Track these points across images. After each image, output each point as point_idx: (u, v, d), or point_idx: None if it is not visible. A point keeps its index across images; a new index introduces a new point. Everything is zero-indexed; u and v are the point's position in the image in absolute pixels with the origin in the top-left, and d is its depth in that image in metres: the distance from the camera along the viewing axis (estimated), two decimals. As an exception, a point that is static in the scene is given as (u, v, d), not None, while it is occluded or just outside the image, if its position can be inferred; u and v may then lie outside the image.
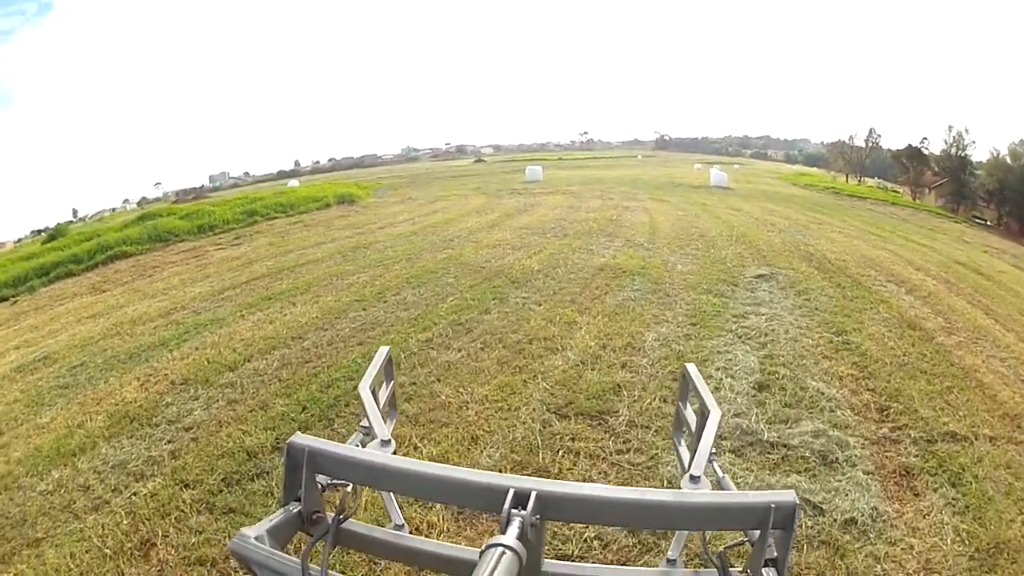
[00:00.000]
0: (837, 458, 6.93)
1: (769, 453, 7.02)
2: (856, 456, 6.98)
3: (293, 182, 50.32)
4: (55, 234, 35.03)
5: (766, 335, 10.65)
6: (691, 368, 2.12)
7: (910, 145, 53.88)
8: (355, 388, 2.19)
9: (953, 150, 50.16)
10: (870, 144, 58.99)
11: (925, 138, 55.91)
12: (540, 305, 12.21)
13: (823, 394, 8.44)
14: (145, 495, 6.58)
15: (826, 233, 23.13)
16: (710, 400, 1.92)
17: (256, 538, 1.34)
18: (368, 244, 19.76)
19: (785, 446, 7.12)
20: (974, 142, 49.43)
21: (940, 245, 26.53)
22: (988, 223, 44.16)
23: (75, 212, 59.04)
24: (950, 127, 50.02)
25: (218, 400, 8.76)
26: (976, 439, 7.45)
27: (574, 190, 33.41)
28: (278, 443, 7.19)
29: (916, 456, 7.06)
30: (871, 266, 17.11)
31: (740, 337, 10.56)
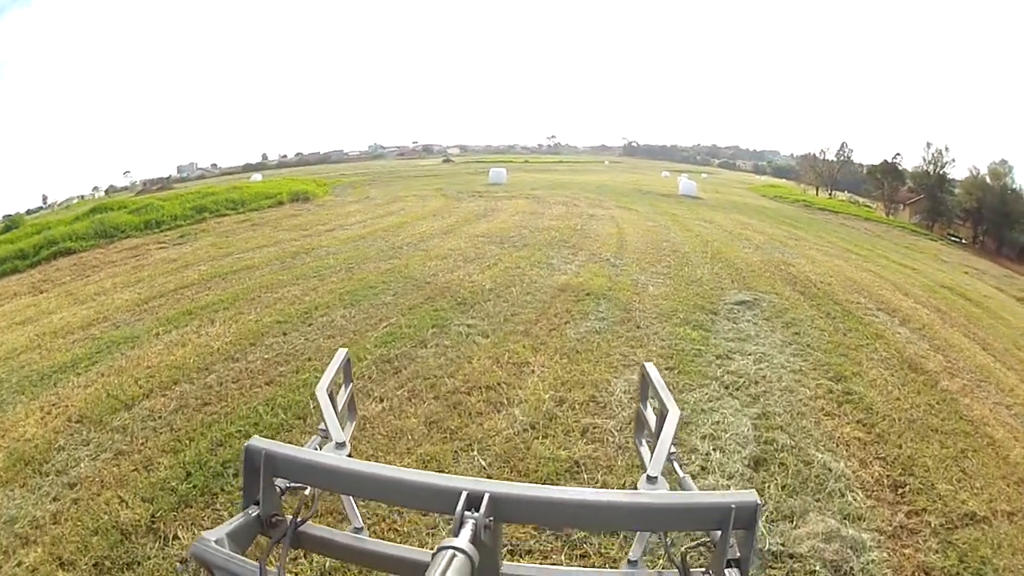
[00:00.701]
0: (852, 567, 5.37)
1: (772, 567, 5.29)
2: (873, 562, 5.48)
3: (256, 176, 47.94)
4: (10, 225, 32.50)
5: (757, 383, 8.79)
6: (650, 367, 2.08)
7: (886, 161, 53.10)
8: (311, 394, 2.06)
9: (931, 168, 49.34)
10: (841, 158, 58.29)
11: (898, 154, 54.97)
12: (487, 337, 10.21)
13: (830, 471, 6.76)
14: (26, 568, 5.39)
15: (804, 251, 21.50)
16: (669, 400, 1.89)
17: (216, 541, 1.32)
18: (311, 249, 17.72)
19: (791, 556, 5.37)
20: (953, 160, 48.68)
21: (921, 266, 25.34)
22: (963, 241, 43.50)
23: (45, 198, 56.84)
24: (928, 144, 49.36)
25: (106, 449, 7.23)
26: (995, 518, 6.39)
27: (538, 195, 31.34)
28: (154, 522, 5.82)
29: (936, 551, 5.77)
30: (858, 291, 15.50)
31: (727, 387, 8.63)
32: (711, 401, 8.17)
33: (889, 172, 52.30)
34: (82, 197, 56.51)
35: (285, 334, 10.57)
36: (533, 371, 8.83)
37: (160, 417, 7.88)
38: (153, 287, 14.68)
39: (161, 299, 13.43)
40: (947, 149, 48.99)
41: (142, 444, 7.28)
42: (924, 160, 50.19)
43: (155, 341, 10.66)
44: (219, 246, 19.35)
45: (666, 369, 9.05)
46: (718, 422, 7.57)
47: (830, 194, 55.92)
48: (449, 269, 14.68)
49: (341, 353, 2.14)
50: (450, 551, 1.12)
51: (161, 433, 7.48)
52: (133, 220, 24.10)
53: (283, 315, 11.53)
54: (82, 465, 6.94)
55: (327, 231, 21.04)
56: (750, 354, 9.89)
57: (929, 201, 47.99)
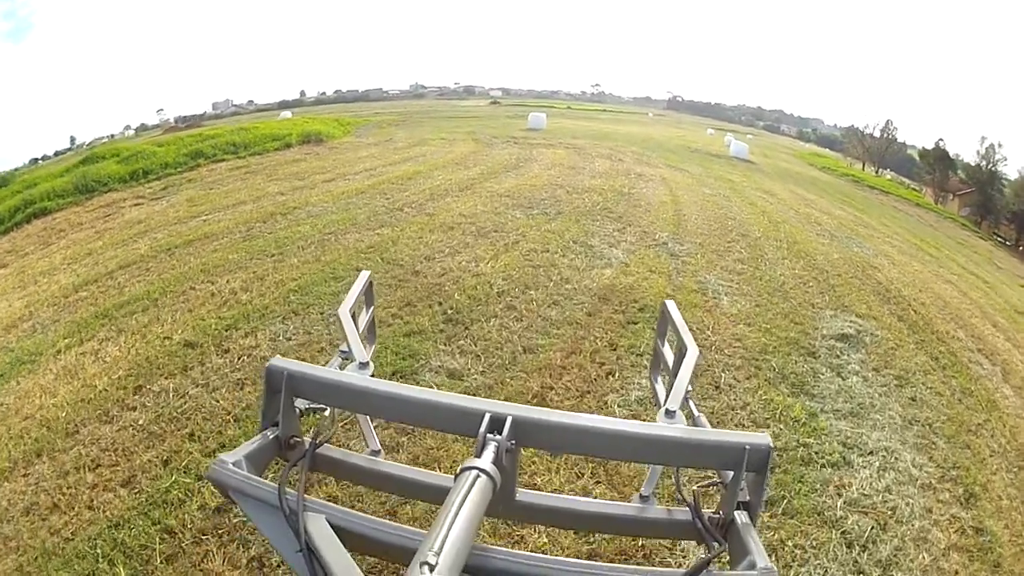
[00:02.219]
0: None
1: None
2: None
3: (285, 113, 43.92)
4: (1, 182, 28.54)
5: (884, 527, 4.80)
6: (670, 305, 2.06)
7: (938, 147, 51.58)
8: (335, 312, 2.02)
9: (984, 162, 47.77)
10: (886, 136, 56.84)
11: (941, 139, 54.54)
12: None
13: None
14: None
15: (879, 245, 17.03)
16: (688, 338, 1.85)
17: (234, 463, 1.31)
18: (293, 208, 13.35)
19: None
20: (1005, 158, 47.45)
21: (989, 276, 21.44)
22: (1007, 243, 41.64)
23: (72, 140, 54.50)
24: (983, 138, 49.65)
25: None
26: None
27: (579, 145, 26.39)
28: None
29: None
30: (952, 318, 11.40)
31: (850, 545, 4.53)
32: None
33: (941, 159, 50.62)
34: (112, 136, 53.70)
35: (187, 371, 6.51)
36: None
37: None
38: (96, 265, 11.16)
39: (93, 286, 9.89)
40: (1000, 145, 47.51)
41: None
42: (977, 153, 48.78)
43: (52, 365, 7.13)
44: (194, 202, 15.43)
45: (769, 513, 4.69)
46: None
47: (876, 171, 53.26)
48: (451, 250, 10.20)
49: (363, 275, 2.10)
50: (474, 471, 1.09)
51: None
52: (119, 171, 20.55)
53: (199, 329, 7.47)
54: None
55: (325, 182, 16.62)
56: (871, 452, 5.85)
57: (980, 196, 46.35)
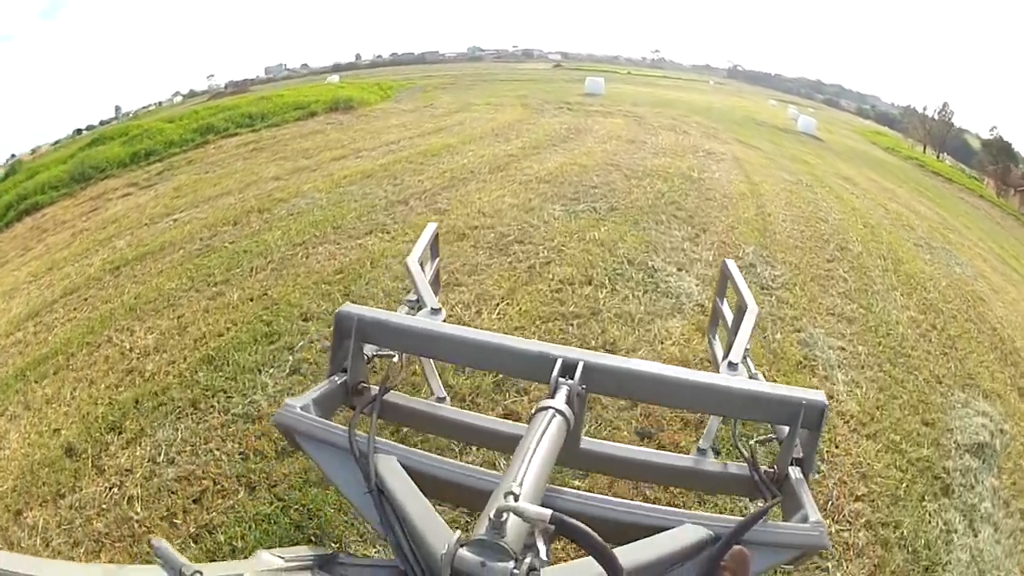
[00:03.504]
0: None
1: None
2: None
3: (333, 78, 40.53)
4: (10, 171, 25.85)
5: None
6: (730, 264, 2.03)
7: (1000, 138, 47.44)
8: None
9: None
10: (943, 118, 52.15)
11: (995, 127, 51.11)
12: None
13: None
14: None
15: (972, 259, 13.25)
16: (748, 297, 1.85)
17: (301, 408, 1.30)
18: (276, 202, 10.32)
19: None
20: None
21: None
22: None
23: (118, 109, 52.23)
24: None
25: None
26: None
27: (639, 113, 22.35)
28: None
29: None
30: None
31: None
32: None
33: (1004, 151, 46.16)
34: (159, 104, 51.56)
35: (57, 498, 4.22)
36: None
37: None
38: (48, 288, 9.13)
39: (32, 323, 7.76)
40: None
41: None
42: None
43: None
44: (181, 191, 12.95)
45: None
46: None
47: (937, 156, 48.76)
48: (448, 278, 6.69)
49: (431, 227, 2.24)
50: (550, 411, 1.13)
51: None
52: (119, 154, 18.17)
53: (86, 422, 4.98)
54: None
55: (333, 160, 13.41)
56: None
57: None
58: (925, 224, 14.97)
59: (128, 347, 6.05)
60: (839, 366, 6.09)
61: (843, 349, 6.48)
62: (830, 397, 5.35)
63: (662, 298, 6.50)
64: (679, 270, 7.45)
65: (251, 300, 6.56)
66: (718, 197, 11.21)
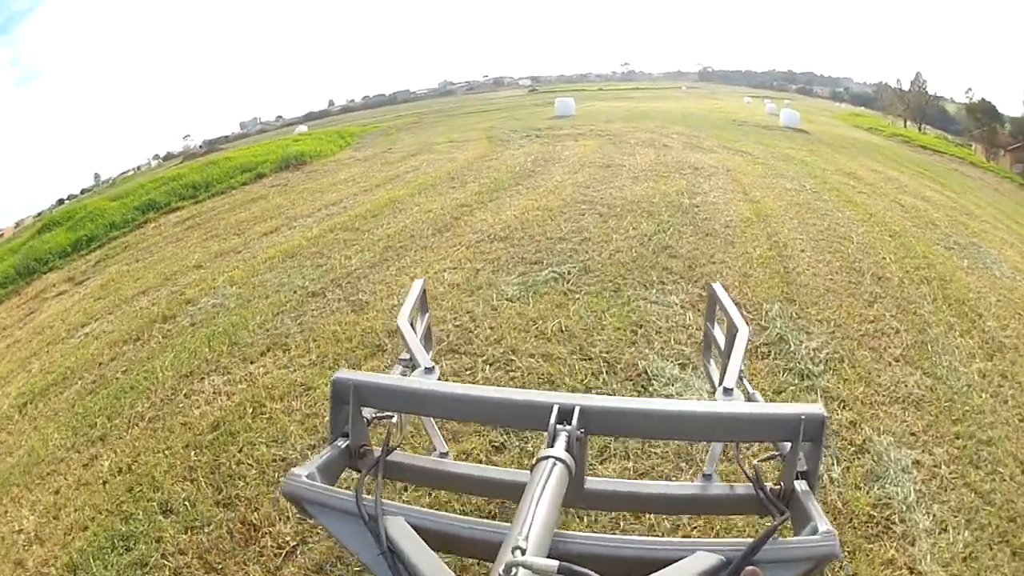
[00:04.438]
0: None
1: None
2: None
3: (301, 128, 38.30)
4: None
5: None
6: (717, 287, 1.98)
7: (983, 100, 45.71)
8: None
9: None
10: (917, 88, 50.95)
11: (970, 89, 49.56)
12: None
13: None
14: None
15: (1004, 251, 10.72)
16: (738, 318, 1.81)
17: (307, 476, 1.27)
18: (182, 305, 8.22)
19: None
20: None
21: None
22: None
23: (97, 176, 51.03)
24: None
25: None
26: None
27: (614, 130, 19.74)
28: None
29: None
30: None
31: None
32: None
33: (988, 112, 44.18)
34: (138, 168, 50.33)
35: None
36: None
37: None
38: None
39: None
40: None
41: None
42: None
43: None
44: (105, 291, 10.81)
45: None
46: None
47: (919, 128, 47.27)
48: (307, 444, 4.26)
49: (418, 284, 2.10)
50: (550, 460, 1.09)
51: None
52: (64, 242, 16.36)
53: None
54: None
55: (263, 235, 11.20)
56: None
57: None
58: (942, 215, 12.54)
59: (16, 527, 4.52)
60: (918, 502, 3.86)
61: (919, 464, 4.23)
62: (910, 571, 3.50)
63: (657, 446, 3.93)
64: (683, 368, 4.92)
65: (120, 472, 4.73)
66: (718, 229, 8.69)
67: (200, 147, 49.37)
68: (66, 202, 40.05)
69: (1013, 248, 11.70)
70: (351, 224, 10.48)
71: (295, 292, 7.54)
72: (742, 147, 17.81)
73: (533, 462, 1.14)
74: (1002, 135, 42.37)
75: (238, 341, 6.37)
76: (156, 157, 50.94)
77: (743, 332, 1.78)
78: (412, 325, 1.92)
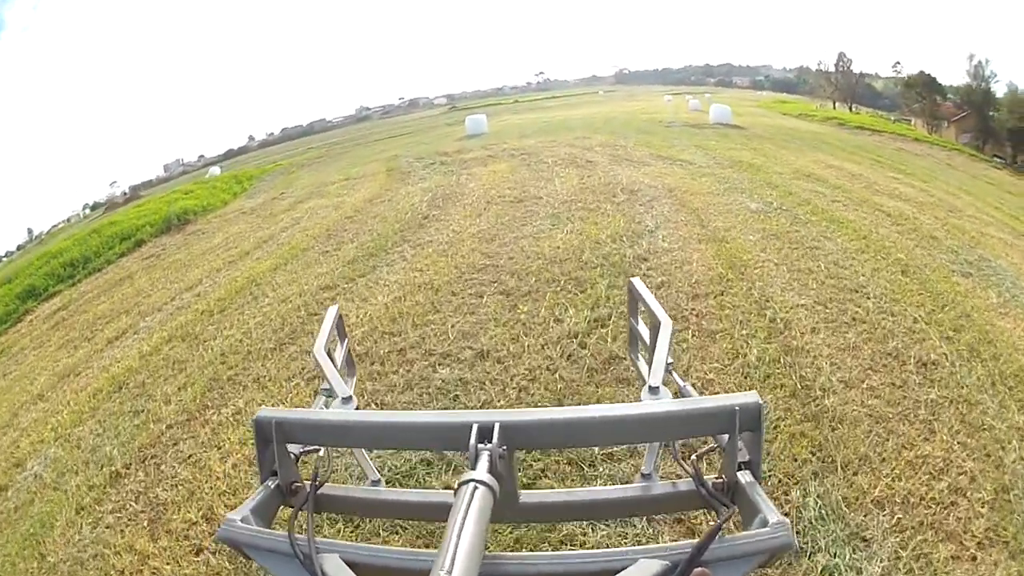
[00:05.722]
0: None
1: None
2: None
3: (214, 170, 34.48)
4: None
5: None
6: (636, 282, 1.67)
7: (923, 72, 43.47)
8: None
9: (976, 82, 39.45)
10: (843, 68, 49.45)
11: (898, 62, 49.32)
12: None
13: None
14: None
15: (1011, 256, 8.68)
16: (660, 312, 1.53)
17: (242, 520, 1.12)
18: None
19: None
20: (995, 75, 39.17)
21: None
22: (1006, 163, 33.11)
23: (30, 232, 47.84)
24: (971, 56, 39.99)
25: None
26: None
27: (529, 147, 16.68)
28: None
29: None
30: None
31: None
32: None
33: (928, 85, 42.43)
34: (68, 220, 47.16)
35: None
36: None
37: None
38: None
39: None
40: (987, 61, 39.35)
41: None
42: (968, 73, 40.41)
43: None
44: None
45: None
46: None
47: (850, 108, 45.65)
48: None
49: (332, 310, 1.75)
50: (471, 484, 0.91)
51: None
52: None
53: None
54: None
55: (106, 344, 8.60)
56: None
57: (978, 120, 38.28)
58: (930, 217, 10.04)
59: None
60: None
61: None
62: None
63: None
64: None
65: None
66: (683, 304, 5.64)
67: (124, 194, 46.46)
68: (3, 259, 37.83)
69: (1015, 249, 9.35)
70: (191, 328, 7.66)
71: (101, 468, 5.08)
72: (677, 154, 14.86)
73: (456, 485, 0.90)
74: (946, 107, 41.05)
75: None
76: (86, 207, 47.66)
77: (666, 325, 1.45)
78: (330, 354, 1.55)
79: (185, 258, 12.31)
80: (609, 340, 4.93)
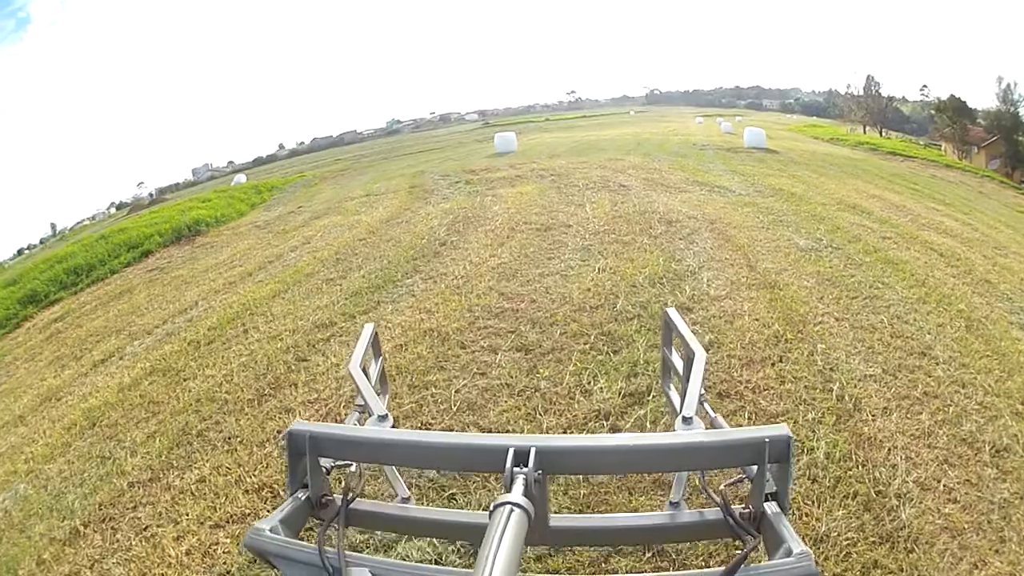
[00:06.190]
0: None
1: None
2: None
3: (240, 177, 34.40)
4: None
5: None
6: (672, 312, 1.73)
7: (953, 96, 41.40)
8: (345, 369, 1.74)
9: (1006, 106, 37.99)
10: (873, 92, 47.22)
11: (925, 85, 48.31)
12: None
13: None
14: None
15: None
16: (694, 342, 1.57)
17: (270, 530, 1.11)
18: None
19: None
20: (1023, 97, 37.48)
21: None
22: None
23: (53, 227, 47.66)
24: (1000, 79, 38.97)
25: None
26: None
27: (559, 168, 15.69)
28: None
29: None
30: None
31: None
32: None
33: (959, 110, 40.38)
34: (93, 218, 47.05)
35: None
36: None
37: None
38: None
39: None
40: (1015, 84, 37.80)
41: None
42: (997, 97, 38.71)
43: None
44: None
45: None
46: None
47: (880, 133, 43.93)
48: None
49: (369, 328, 1.75)
50: (507, 506, 0.95)
51: None
52: None
53: None
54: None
55: (92, 367, 7.91)
56: None
57: (1008, 145, 36.72)
58: (979, 256, 9.01)
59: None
60: None
61: None
62: None
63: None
64: None
65: None
66: (736, 374, 4.59)
67: (150, 195, 46.32)
68: (25, 252, 37.35)
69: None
70: (174, 362, 6.83)
71: (63, 520, 4.41)
72: (715, 180, 13.80)
73: (491, 507, 0.93)
74: (975, 132, 39.49)
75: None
76: (112, 205, 47.60)
77: (700, 356, 1.49)
78: (365, 371, 1.54)
79: (187, 274, 11.57)
80: (648, 424, 3.92)
